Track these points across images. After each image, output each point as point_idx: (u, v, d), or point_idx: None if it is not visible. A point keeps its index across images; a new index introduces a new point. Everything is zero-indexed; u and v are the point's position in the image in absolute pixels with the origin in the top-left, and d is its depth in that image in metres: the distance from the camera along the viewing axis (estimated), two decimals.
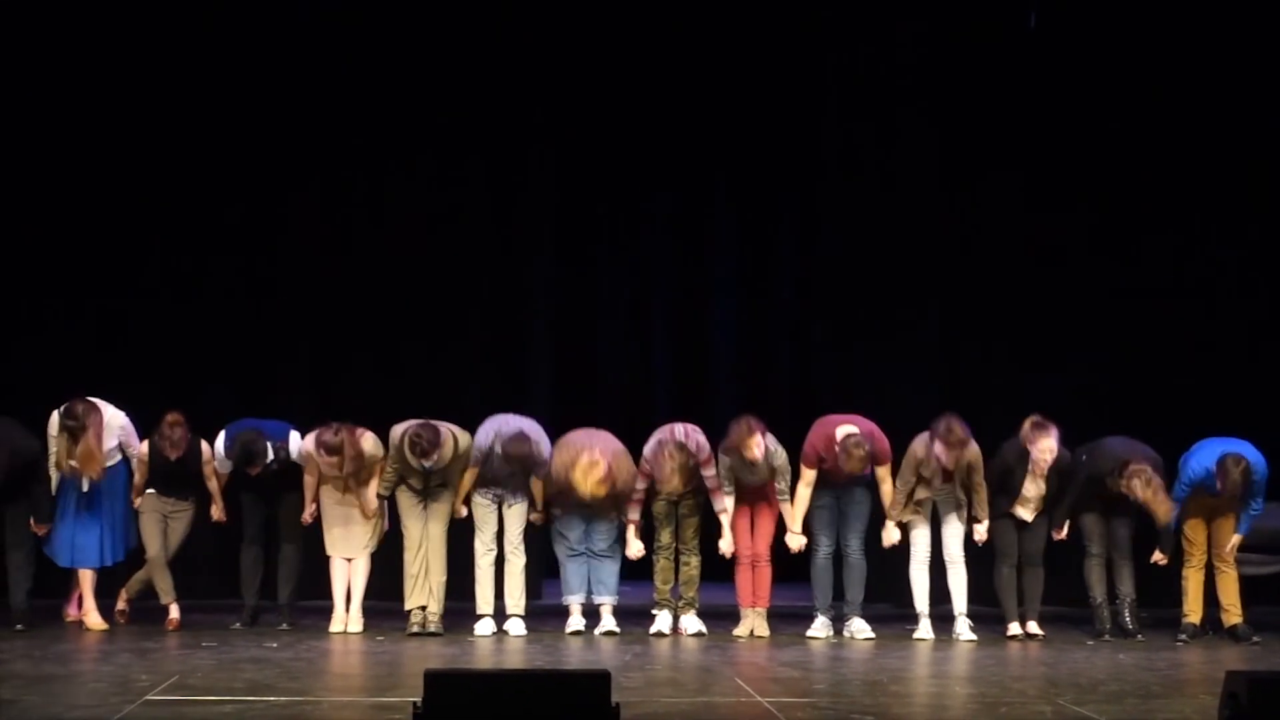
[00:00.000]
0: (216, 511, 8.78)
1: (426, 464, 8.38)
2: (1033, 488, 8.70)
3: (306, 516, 8.67)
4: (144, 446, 8.64)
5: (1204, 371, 9.99)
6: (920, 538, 8.72)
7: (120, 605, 8.77)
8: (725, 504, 8.63)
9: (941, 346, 10.28)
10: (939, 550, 8.75)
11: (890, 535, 8.68)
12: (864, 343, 10.33)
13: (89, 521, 8.62)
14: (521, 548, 8.70)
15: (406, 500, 8.62)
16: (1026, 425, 8.60)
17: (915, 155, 10.44)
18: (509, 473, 8.53)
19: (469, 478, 8.58)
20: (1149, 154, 10.29)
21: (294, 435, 8.66)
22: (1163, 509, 8.49)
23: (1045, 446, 8.53)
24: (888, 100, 10.45)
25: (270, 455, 8.55)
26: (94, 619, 8.62)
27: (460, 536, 8.72)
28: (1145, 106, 10.27)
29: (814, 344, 10.91)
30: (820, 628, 8.72)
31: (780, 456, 8.62)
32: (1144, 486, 8.43)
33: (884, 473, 8.66)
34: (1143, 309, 10.12)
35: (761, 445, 8.43)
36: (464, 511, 8.63)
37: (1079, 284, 10.21)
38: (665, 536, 8.74)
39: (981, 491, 8.64)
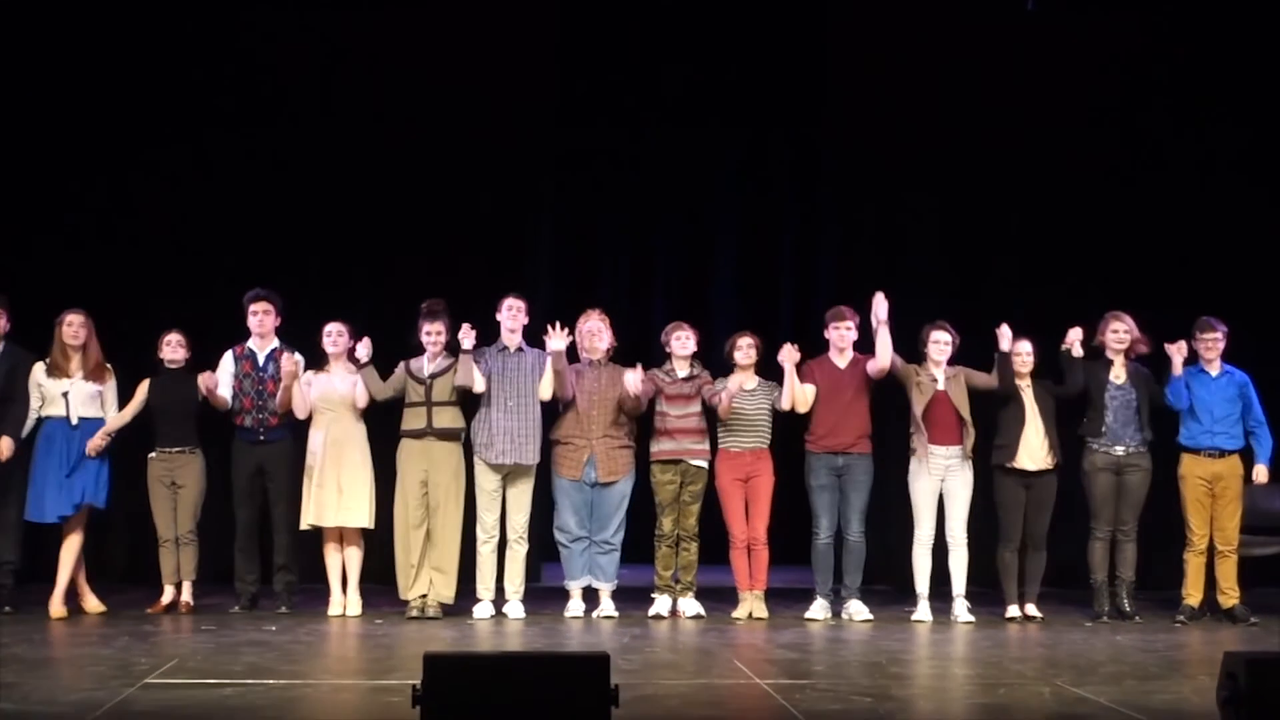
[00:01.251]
0: (208, 380, 8.65)
1: (430, 330, 8.46)
2: (1034, 430, 8.72)
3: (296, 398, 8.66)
4: (141, 388, 8.66)
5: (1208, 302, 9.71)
6: (925, 520, 8.77)
7: (185, 596, 8.70)
8: (729, 387, 8.74)
9: (947, 293, 10.24)
10: (941, 534, 8.80)
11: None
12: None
13: (61, 477, 8.47)
14: (525, 536, 8.72)
15: (409, 488, 8.55)
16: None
17: (919, 104, 10.49)
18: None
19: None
20: (1156, 105, 10.37)
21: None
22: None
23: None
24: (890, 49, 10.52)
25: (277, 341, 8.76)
26: (89, 603, 8.62)
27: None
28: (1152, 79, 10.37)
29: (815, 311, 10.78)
30: (819, 609, 8.75)
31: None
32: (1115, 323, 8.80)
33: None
34: (1157, 259, 10.02)
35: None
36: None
37: (1094, 236, 10.19)
38: (667, 525, 8.80)
39: (982, 377, 8.79)
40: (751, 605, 8.74)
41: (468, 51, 10.19)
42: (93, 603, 8.64)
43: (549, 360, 8.56)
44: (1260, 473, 8.83)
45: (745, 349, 8.80)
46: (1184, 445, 8.89)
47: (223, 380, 8.73)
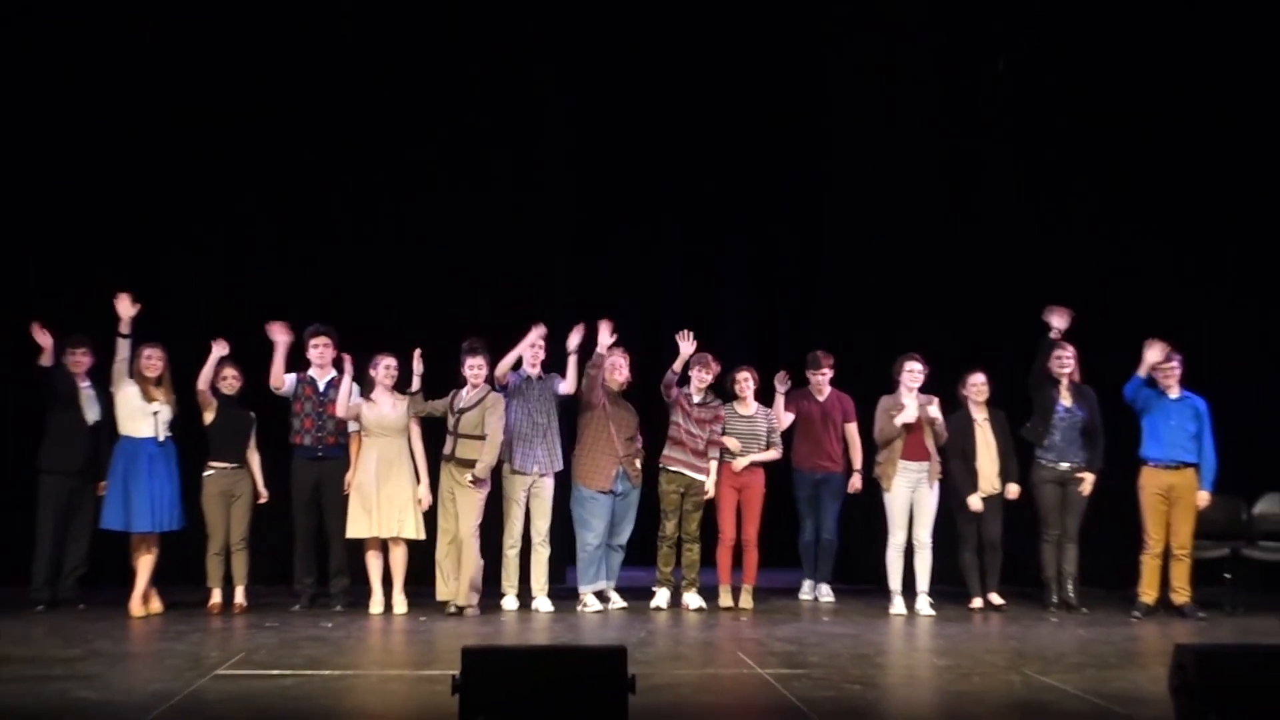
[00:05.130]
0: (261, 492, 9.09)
1: (472, 364, 8.80)
2: (987, 457, 9.18)
3: (348, 481, 8.92)
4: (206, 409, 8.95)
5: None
6: (898, 527, 9.21)
7: (239, 599, 8.96)
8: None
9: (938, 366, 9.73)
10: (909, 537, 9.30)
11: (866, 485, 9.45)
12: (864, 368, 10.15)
13: (143, 489, 8.67)
14: (547, 540, 9.10)
15: (444, 506, 8.92)
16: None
17: (917, 170, 10.67)
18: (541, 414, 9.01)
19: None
20: (1152, 168, 10.29)
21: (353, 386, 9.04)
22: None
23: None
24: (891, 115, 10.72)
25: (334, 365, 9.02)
26: (153, 604, 8.78)
27: (489, 532, 9.00)
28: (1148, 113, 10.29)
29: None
30: (807, 590, 9.68)
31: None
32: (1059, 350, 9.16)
33: (853, 429, 9.53)
34: (1150, 326, 9.40)
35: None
36: (473, 478, 8.77)
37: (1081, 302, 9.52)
38: (669, 528, 9.28)
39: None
40: (740, 599, 9.25)
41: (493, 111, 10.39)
42: (155, 603, 8.84)
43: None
44: (1202, 498, 9.09)
45: (741, 382, 9.35)
46: (1144, 459, 9.15)
47: (287, 388, 9.04)
